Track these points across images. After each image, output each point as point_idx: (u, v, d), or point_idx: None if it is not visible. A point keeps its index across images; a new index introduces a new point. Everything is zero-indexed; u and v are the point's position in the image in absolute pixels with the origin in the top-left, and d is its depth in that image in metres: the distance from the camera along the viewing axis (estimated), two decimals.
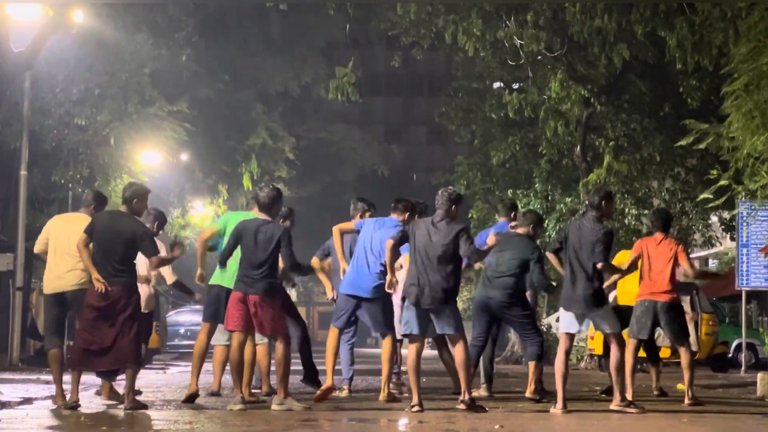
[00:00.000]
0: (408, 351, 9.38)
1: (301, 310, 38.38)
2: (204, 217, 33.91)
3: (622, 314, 10.60)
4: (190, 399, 9.75)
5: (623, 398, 9.42)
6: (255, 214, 9.42)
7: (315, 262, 11.06)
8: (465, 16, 20.36)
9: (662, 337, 12.49)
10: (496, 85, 27.46)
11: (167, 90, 24.21)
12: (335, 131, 48.44)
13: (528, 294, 10.98)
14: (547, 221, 23.65)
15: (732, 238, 23.04)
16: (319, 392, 10.16)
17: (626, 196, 23.31)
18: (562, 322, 9.67)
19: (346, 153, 49.12)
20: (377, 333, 10.64)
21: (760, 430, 8.42)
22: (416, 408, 8.92)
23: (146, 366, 17.30)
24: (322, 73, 33.84)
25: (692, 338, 11.68)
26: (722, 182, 13.87)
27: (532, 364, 10.55)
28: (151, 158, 24.00)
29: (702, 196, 16.27)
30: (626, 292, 11.75)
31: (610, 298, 11.37)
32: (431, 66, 68.87)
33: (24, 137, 18.19)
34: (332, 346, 10.45)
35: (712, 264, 33.05)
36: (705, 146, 14.54)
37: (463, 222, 9.82)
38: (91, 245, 9.06)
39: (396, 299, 10.21)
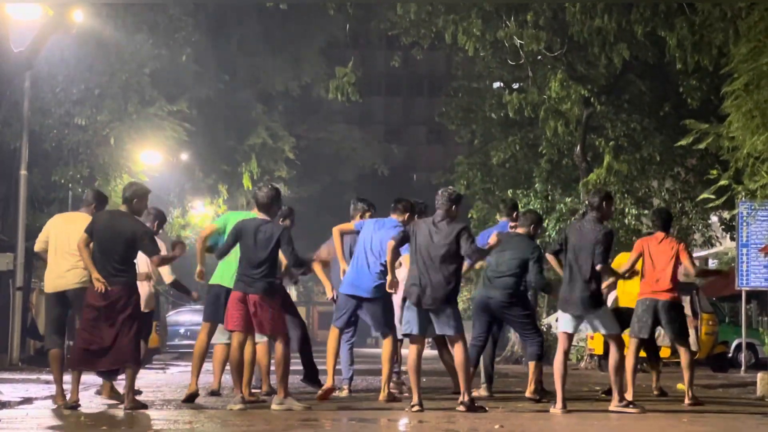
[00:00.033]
0: (409, 351, 9.38)
1: (301, 310, 38.39)
2: (204, 217, 33.91)
3: (623, 316, 10.60)
4: (190, 399, 9.76)
5: (621, 399, 9.42)
6: (255, 213, 9.43)
7: (316, 263, 11.06)
8: (465, 16, 20.36)
9: (662, 336, 12.48)
10: (496, 84, 27.45)
11: (167, 90, 24.19)
12: (335, 131, 48.43)
13: (528, 294, 10.99)
14: (547, 221, 23.64)
15: (732, 238, 23.04)
16: (320, 392, 10.17)
17: (626, 195, 23.30)
18: (561, 322, 9.68)
19: (346, 153, 49.11)
20: (378, 333, 10.65)
21: (760, 430, 8.42)
22: (416, 408, 8.93)
23: (146, 366, 17.31)
24: (322, 73, 33.83)
25: (692, 338, 11.68)
26: (722, 182, 13.87)
27: (532, 364, 10.55)
28: (151, 158, 24.00)
29: (702, 196, 16.26)
30: (627, 293, 11.75)
31: (611, 298, 11.38)
32: (431, 66, 68.94)
33: (24, 137, 18.20)
34: (333, 347, 10.46)
35: (712, 264, 33.04)
36: (705, 146, 14.54)
37: (463, 222, 9.82)
38: (91, 245, 9.06)
39: (396, 299, 10.21)
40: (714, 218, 25.03)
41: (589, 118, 23.50)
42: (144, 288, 10.20)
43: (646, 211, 23.13)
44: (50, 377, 10.24)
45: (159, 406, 9.55)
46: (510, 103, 22.22)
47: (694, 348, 11.60)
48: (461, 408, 9.01)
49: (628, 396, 9.79)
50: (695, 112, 19.82)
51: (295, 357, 9.90)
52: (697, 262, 11.65)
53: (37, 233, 9.96)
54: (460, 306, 9.94)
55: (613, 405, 9.40)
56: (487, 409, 9.21)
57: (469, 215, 27.11)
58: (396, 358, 10.68)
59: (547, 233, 23.45)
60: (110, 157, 21.08)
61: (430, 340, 10.80)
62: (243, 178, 32.84)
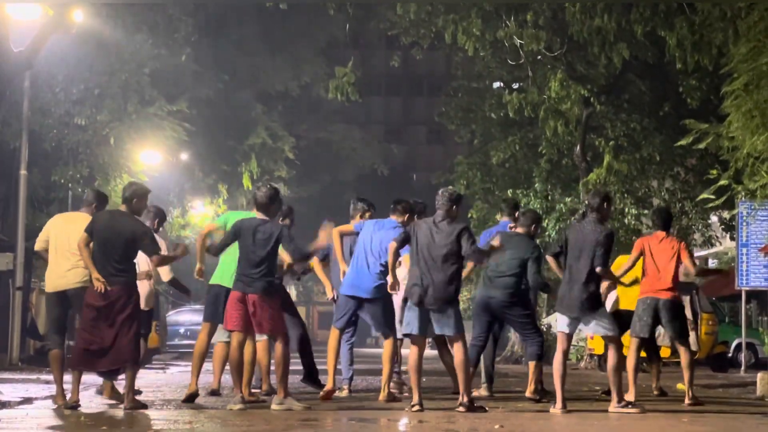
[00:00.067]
0: (409, 351, 9.38)
1: (301, 310, 38.41)
2: (204, 216, 33.92)
3: (623, 318, 10.60)
4: (190, 399, 9.76)
5: (620, 399, 9.42)
6: (255, 213, 9.43)
7: (315, 263, 11.07)
8: (465, 16, 20.35)
9: (662, 336, 12.49)
10: (496, 84, 27.45)
11: (167, 90, 24.19)
12: (335, 131, 48.41)
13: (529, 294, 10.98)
14: (546, 221, 23.65)
15: (732, 238, 23.03)
16: (322, 393, 10.18)
17: (626, 195, 23.30)
18: (559, 322, 9.68)
19: (345, 153, 49.09)
20: (378, 333, 10.65)
21: (760, 430, 8.43)
22: (416, 407, 8.93)
23: (146, 366, 17.32)
24: (322, 73, 33.83)
25: (692, 338, 11.68)
26: (722, 182, 13.87)
27: (532, 364, 10.55)
28: (150, 158, 24.00)
29: (702, 196, 16.25)
30: (627, 295, 11.73)
31: (612, 299, 11.37)
32: (431, 66, 68.91)
33: (24, 137, 18.19)
34: (333, 347, 10.46)
35: (712, 263, 33.04)
36: (705, 146, 14.53)
37: (463, 222, 9.83)
38: (91, 244, 9.06)
39: (397, 299, 10.21)
40: (714, 218, 25.03)
41: (588, 118, 23.50)
42: (144, 286, 10.20)
43: (646, 211, 23.13)
44: (50, 377, 10.24)
45: (159, 406, 9.55)
46: (510, 103, 22.22)
47: (694, 348, 11.60)
48: (461, 408, 9.01)
49: (630, 396, 9.79)
50: (695, 112, 19.82)
51: (294, 357, 9.90)
52: (697, 262, 11.65)
53: (37, 233, 9.96)
54: (461, 306, 9.93)
55: (612, 406, 9.40)
56: (487, 409, 9.22)
57: (469, 215, 27.10)
58: (396, 358, 10.69)
59: (547, 233, 23.45)
60: (110, 157, 21.08)
61: (430, 340, 10.81)
62: (243, 178, 32.83)
